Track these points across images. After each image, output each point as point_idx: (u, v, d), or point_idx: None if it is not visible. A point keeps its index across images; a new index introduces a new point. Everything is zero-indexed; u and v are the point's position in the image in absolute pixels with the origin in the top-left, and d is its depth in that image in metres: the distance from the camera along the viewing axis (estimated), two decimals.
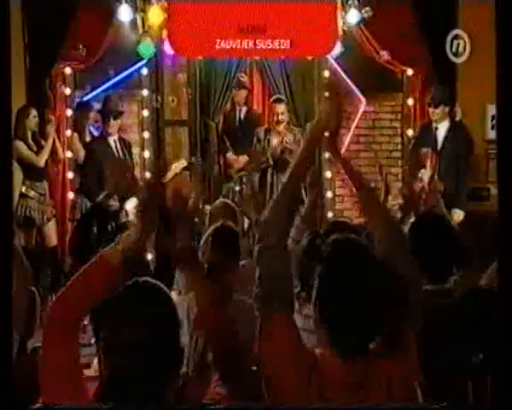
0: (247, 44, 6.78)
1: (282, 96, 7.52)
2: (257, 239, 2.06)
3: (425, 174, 6.05)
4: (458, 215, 6.23)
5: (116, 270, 1.88)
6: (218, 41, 6.72)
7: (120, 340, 1.78)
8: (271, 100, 7.57)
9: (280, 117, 7.21)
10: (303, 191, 3.41)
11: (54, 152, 6.62)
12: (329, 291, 1.89)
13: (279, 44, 6.78)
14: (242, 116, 7.70)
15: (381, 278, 1.90)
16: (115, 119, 6.61)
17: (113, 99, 6.73)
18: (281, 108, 7.25)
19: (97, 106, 6.95)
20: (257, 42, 6.76)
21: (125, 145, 6.77)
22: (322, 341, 1.92)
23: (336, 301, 1.87)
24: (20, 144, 6.30)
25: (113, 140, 6.63)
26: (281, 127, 7.23)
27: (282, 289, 1.98)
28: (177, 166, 6.86)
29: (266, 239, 2.02)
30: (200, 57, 7.47)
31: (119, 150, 6.66)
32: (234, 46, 6.77)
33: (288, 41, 6.77)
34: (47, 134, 6.50)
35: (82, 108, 7.01)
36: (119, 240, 1.93)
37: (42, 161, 6.44)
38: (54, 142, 6.59)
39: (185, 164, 6.97)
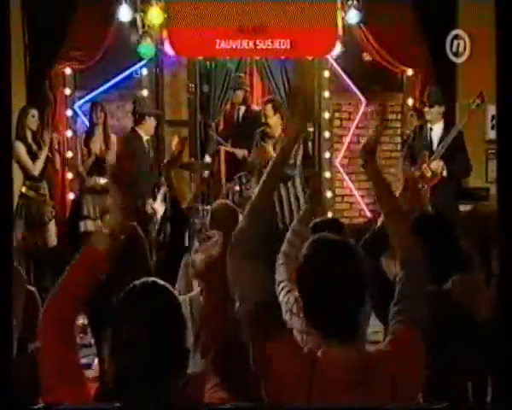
0: (247, 44, 6.79)
1: (273, 97, 7.18)
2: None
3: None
4: (436, 164, 6.14)
5: (102, 254, 1.94)
6: (218, 41, 6.74)
7: (127, 340, 1.78)
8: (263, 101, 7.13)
9: (267, 119, 6.67)
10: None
11: (51, 160, 6.61)
12: (310, 287, 1.91)
13: (279, 44, 6.79)
14: (241, 116, 7.61)
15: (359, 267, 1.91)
16: (149, 117, 6.60)
17: (142, 101, 6.73)
18: (267, 109, 6.70)
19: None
20: (257, 42, 6.77)
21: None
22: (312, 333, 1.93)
23: (316, 291, 1.89)
24: (19, 146, 6.27)
25: (145, 140, 6.65)
26: (269, 129, 6.69)
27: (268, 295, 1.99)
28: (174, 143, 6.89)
29: (242, 248, 2.01)
30: (200, 57, 7.47)
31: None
32: (234, 46, 6.78)
33: (288, 41, 6.78)
34: (43, 143, 6.44)
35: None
36: (102, 226, 1.96)
37: (36, 170, 6.39)
38: (52, 150, 6.58)
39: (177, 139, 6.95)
